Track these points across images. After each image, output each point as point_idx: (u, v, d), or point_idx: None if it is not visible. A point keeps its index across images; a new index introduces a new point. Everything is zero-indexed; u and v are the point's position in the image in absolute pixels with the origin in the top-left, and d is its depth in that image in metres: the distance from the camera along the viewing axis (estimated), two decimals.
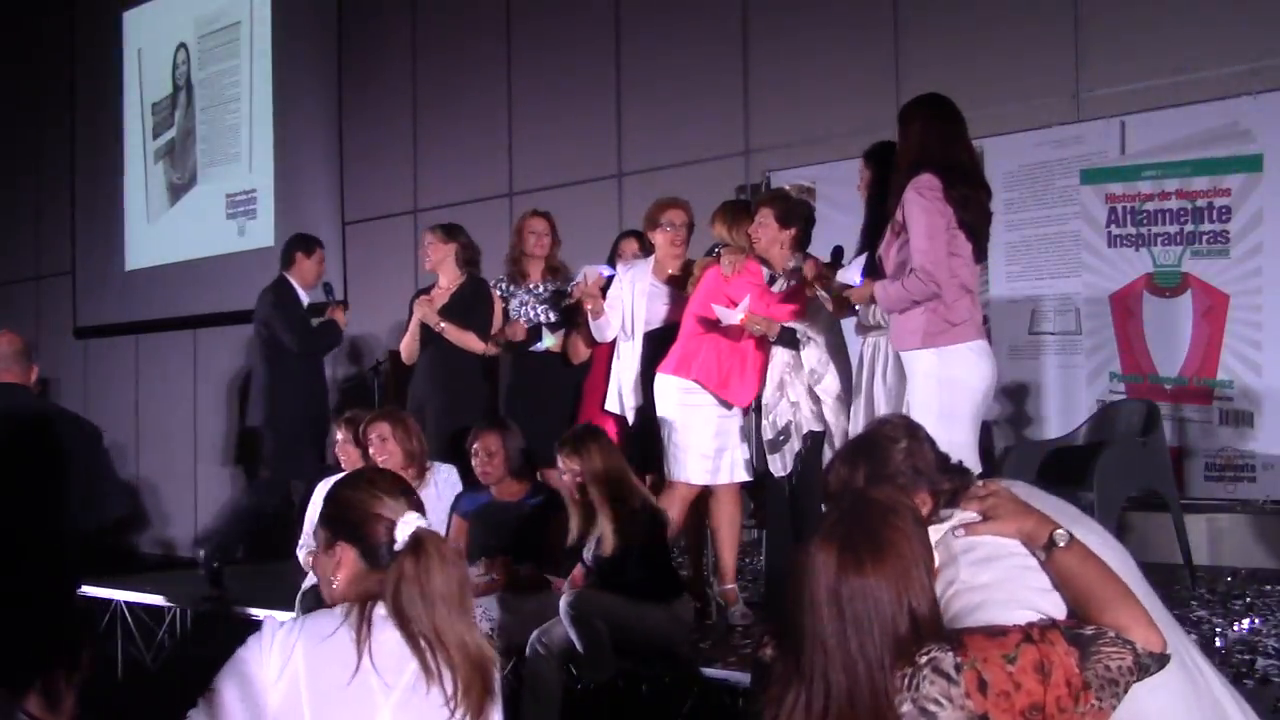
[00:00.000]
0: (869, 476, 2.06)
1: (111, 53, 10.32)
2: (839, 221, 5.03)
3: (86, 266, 10.51)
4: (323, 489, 4.59)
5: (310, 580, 4.27)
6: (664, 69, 7.07)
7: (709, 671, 3.64)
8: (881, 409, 3.89)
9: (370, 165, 8.49)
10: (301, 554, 4.53)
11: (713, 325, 4.31)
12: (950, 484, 2.07)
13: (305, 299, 5.91)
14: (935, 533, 1.96)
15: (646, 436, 4.53)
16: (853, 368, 4.25)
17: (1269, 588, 4.59)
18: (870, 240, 3.98)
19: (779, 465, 4.31)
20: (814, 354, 4.25)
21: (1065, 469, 4.42)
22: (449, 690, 1.86)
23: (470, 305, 5.21)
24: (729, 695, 3.54)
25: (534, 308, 5.13)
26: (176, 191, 9.85)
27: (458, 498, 4.53)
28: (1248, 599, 4.40)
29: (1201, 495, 5.24)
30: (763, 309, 4.25)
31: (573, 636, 3.62)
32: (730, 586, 4.41)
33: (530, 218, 5.22)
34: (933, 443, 2.13)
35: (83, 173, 10.58)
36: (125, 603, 5.68)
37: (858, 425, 4.09)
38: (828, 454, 4.21)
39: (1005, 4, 5.87)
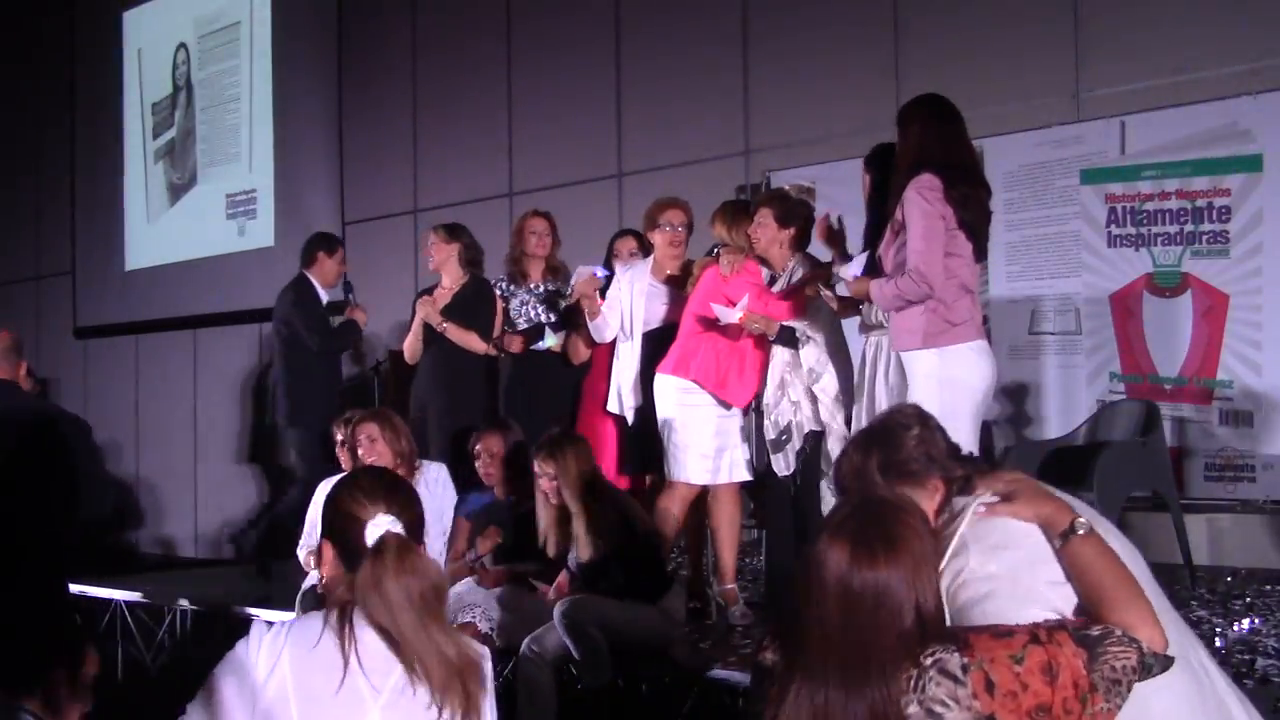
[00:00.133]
0: (882, 463, 2.06)
1: (111, 53, 10.32)
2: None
3: (86, 266, 10.51)
4: (324, 489, 4.61)
5: (310, 580, 4.28)
6: (664, 69, 7.07)
7: (711, 673, 3.65)
8: (883, 408, 3.89)
9: (370, 165, 8.49)
10: (302, 554, 4.53)
11: (711, 325, 4.31)
12: (962, 471, 2.07)
13: (325, 297, 5.93)
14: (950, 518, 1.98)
15: (646, 436, 4.53)
16: (854, 367, 4.25)
17: (1269, 588, 4.59)
18: (872, 240, 3.99)
19: (782, 465, 4.31)
20: (813, 353, 4.25)
21: (1065, 469, 4.41)
22: (429, 693, 1.85)
23: (473, 306, 5.21)
24: (729, 695, 3.54)
25: (534, 307, 5.13)
26: (176, 191, 9.85)
27: (462, 499, 4.54)
28: (1248, 599, 4.40)
29: (1201, 495, 5.24)
30: (761, 308, 4.25)
31: (569, 645, 3.63)
32: (730, 586, 4.41)
33: (531, 218, 5.23)
34: (944, 431, 2.14)
35: (83, 173, 10.57)
36: (125, 602, 5.68)
37: (860, 424, 4.09)
38: (832, 454, 4.21)
39: (1005, 4, 5.87)
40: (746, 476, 4.46)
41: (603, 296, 4.72)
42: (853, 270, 3.93)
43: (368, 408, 5.30)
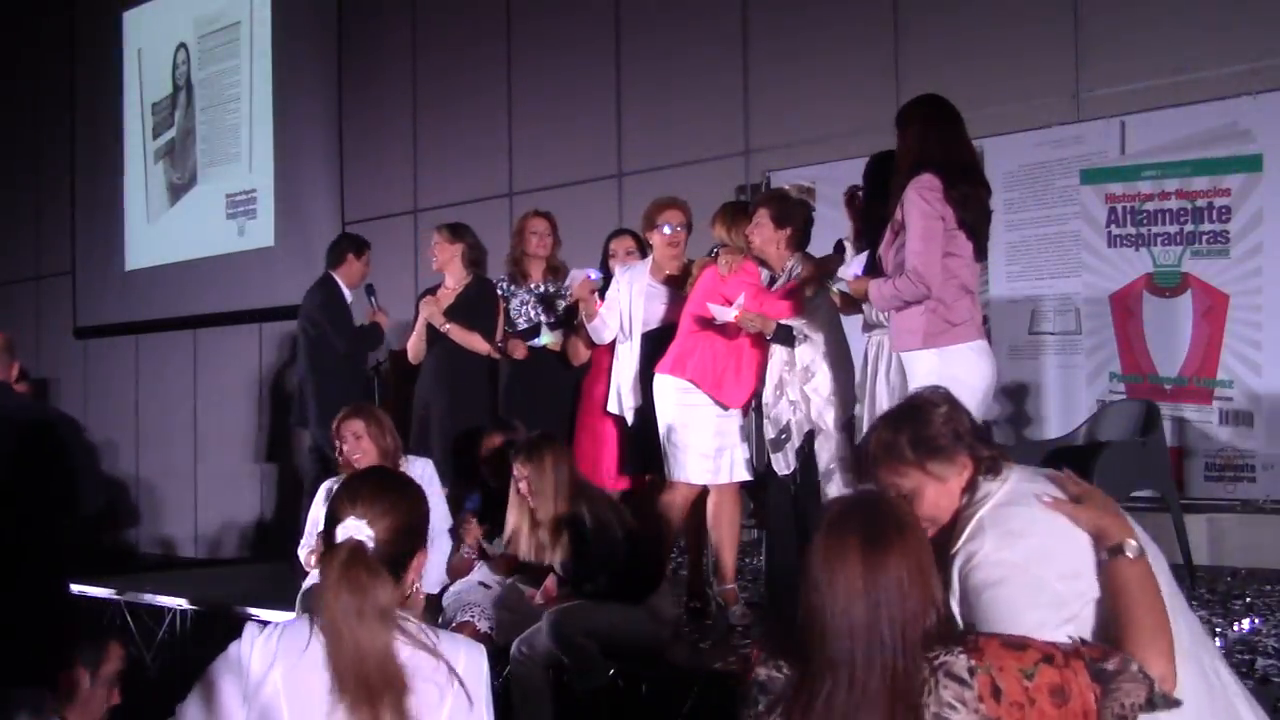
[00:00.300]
0: (913, 438, 2.08)
1: (111, 53, 10.32)
2: (839, 221, 5.02)
3: (86, 266, 10.51)
4: (325, 489, 4.61)
5: (310, 580, 4.28)
6: (664, 69, 7.07)
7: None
8: (884, 408, 3.88)
9: (370, 165, 8.49)
10: (302, 553, 4.53)
11: (709, 325, 4.31)
12: (989, 451, 2.09)
13: (349, 298, 5.97)
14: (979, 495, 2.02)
15: (646, 436, 4.53)
16: (856, 366, 4.25)
17: (1269, 588, 4.60)
18: (871, 240, 3.99)
19: (782, 464, 4.31)
20: (808, 352, 4.25)
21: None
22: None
23: (476, 306, 5.21)
24: (729, 695, 3.54)
25: (534, 307, 5.13)
26: (176, 191, 9.85)
27: (468, 497, 4.55)
28: (1248, 599, 4.41)
29: (1201, 495, 5.24)
30: (757, 307, 4.25)
31: (561, 654, 3.63)
32: (730, 586, 4.41)
33: (531, 218, 5.22)
34: (969, 412, 2.17)
35: (83, 173, 10.57)
36: (125, 603, 5.68)
37: (862, 424, 4.09)
38: (820, 454, 4.21)
39: (1005, 4, 5.87)
40: (746, 476, 4.46)
41: (600, 298, 4.73)
42: (853, 270, 3.95)
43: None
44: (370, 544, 1.89)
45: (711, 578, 4.63)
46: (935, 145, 3.64)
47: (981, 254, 3.73)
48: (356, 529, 1.90)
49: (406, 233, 8.03)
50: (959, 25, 5.97)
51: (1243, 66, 5.17)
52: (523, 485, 3.91)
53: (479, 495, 4.50)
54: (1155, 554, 2.01)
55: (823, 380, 4.22)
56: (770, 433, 4.31)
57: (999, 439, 5.42)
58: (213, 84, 9.56)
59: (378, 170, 8.46)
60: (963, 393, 3.54)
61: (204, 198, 9.56)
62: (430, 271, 6.04)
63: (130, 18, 10.27)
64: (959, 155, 3.68)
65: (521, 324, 5.13)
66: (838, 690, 1.68)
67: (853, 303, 4.15)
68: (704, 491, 4.45)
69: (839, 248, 4.31)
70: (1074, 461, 4.47)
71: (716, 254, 4.49)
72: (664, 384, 4.42)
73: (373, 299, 5.97)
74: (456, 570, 4.37)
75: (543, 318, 5.10)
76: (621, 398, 4.67)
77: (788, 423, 4.28)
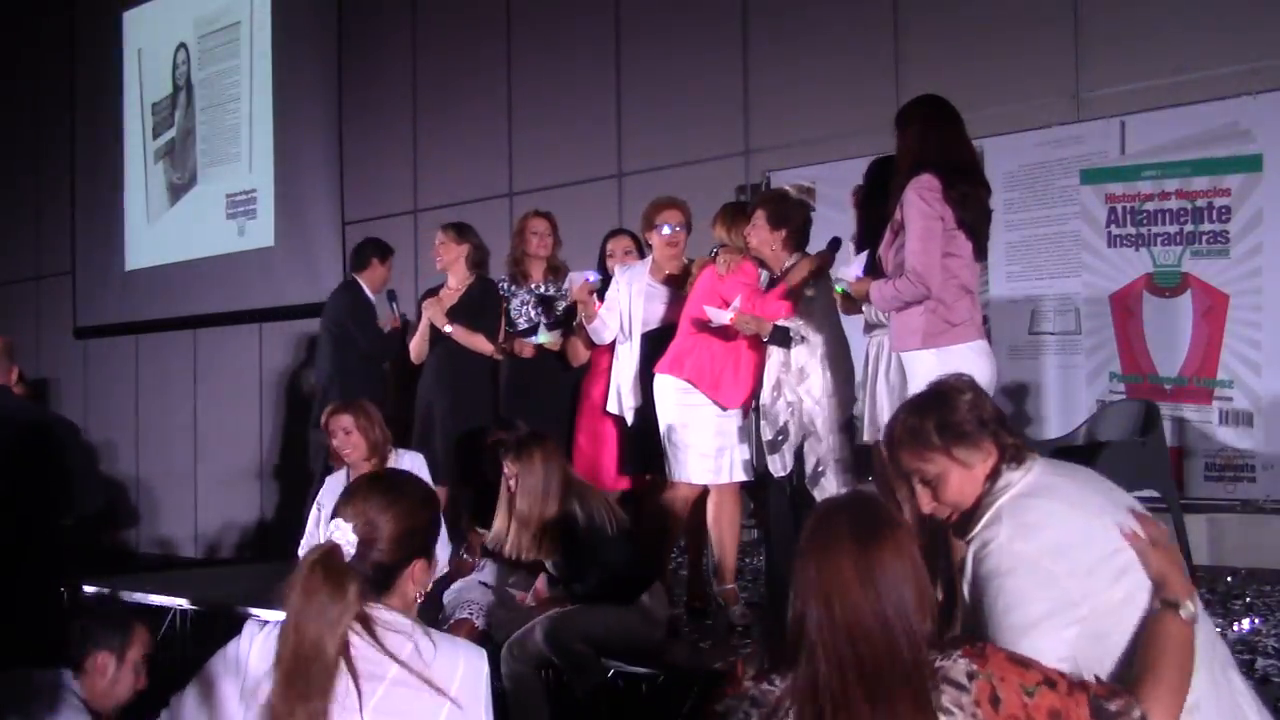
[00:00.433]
0: (938, 424, 2.11)
1: (111, 53, 10.32)
2: (839, 221, 5.03)
3: (86, 266, 10.51)
4: (326, 489, 4.62)
5: None
6: (664, 69, 7.07)
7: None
8: (884, 408, 3.89)
9: (370, 165, 8.49)
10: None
11: (707, 325, 4.31)
12: (1012, 439, 2.11)
13: (373, 302, 6.02)
14: (1002, 484, 2.05)
15: (646, 436, 4.53)
16: (857, 366, 4.25)
17: (1269, 588, 4.59)
18: (871, 240, 3.99)
19: (778, 465, 4.31)
20: (803, 353, 4.25)
21: None
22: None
23: (480, 307, 5.22)
24: None
25: (534, 307, 5.14)
26: (176, 191, 9.85)
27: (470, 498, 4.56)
28: (1248, 599, 4.40)
29: (1201, 495, 5.23)
30: (754, 309, 4.25)
31: (558, 660, 3.63)
32: (730, 586, 4.41)
33: (532, 218, 5.23)
34: (993, 400, 2.20)
35: (83, 173, 10.57)
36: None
37: (862, 424, 4.10)
38: (808, 457, 4.21)
39: (1005, 4, 5.87)
40: (747, 477, 4.46)
41: (599, 299, 4.73)
42: (853, 271, 3.94)
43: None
44: (350, 549, 1.87)
45: (711, 578, 4.63)
46: (935, 145, 3.64)
47: (981, 254, 3.74)
48: (341, 533, 1.89)
49: (406, 233, 8.02)
50: (959, 25, 5.96)
51: (1243, 66, 5.17)
52: (512, 483, 3.87)
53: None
54: (1204, 616, 2.03)
55: (815, 382, 4.22)
56: (767, 434, 4.31)
57: None
58: (213, 84, 9.56)
59: (378, 170, 8.46)
60: None
61: (204, 198, 9.56)
62: (431, 271, 6.05)
63: (130, 18, 10.27)
64: (958, 155, 3.68)
65: (522, 324, 5.14)
66: (849, 692, 1.65)
67: (853, 303, 4.15)
68: (704, 491, 4.45)
69: (833, 245, 4.32)
70: (1074, 461, 4.47)
71: (716, 254, 4.49)
72: (664, 384, 4.42)
73: (393, 305, 5.99)
74: (457, 571, 4.37)
75: (542, 318, 5.10)
76: (621, 398, 4.67)
77: (784, 423, 4.28)
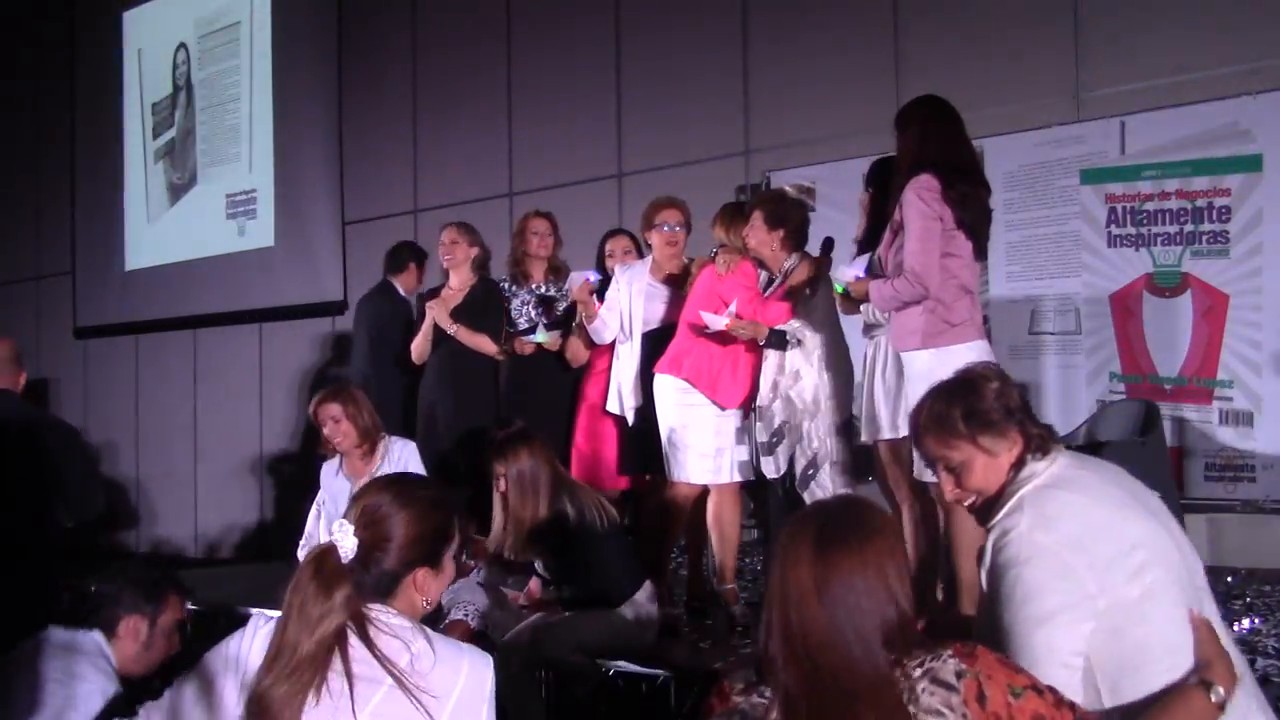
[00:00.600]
0: (965, 411, 2.12)
1: (111, 53, 10.32)
2: (839, 221, 5.04)
3: (86, 266, 10.51)
4: (323, 484, 4.62)
5: None
6: (664, 69, 7.07)
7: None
8: (881, 408, 3.90)
9: (370, 165, 8.49)
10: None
11: (704, 329, 4.31)
12: (1038, 429, 2.12)
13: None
14: (1027, 473, 2.07)
15: (646, 436, 4.54)
16: (856, 367, 4.25)
17: (1269, 588, 4.59)
18: (871, 241, 4.00)
19: (771, 467, 4.30)
20: (798, 356, 4.24)
21: None
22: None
23: (483, 307, 5.22)
24: None
25: (535, 308, 5.14)
26: (176, 191, 9.85)
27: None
28: (1248, 599, 4.40)
29: (1201, 495, 5.23)
30: (751, 312, 4.25)
31: (553, 669, 3.63)
32: (730, 586, 4.41)
33: (532, 218, 5.23)
34: (1020, 390, 2.20)
35: (83, 173, 10.57)
36: None
37: (860, 425, 4.10)
38: (798, 459, 4.21)
39: (1005, 4, 5.87)
40: (746, 476, 4.46)
41: (598, 299, 4.73)
42: (853, 271, 3.94)
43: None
44: (348, 551, 1.87)
45: (711, 578, 4.63)
46: (934, 146, 3.64)
47: (981, 254, 3.74)
48: (343, 535, 1.89)
49: (406, 233, 7.99)
50: (959, 25, 5.97)
51: (1243, 66, 5.17)
52: (501, 483, 3.82)
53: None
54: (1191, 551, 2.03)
55: (808, 385, 4.21)
56: (762, 435, 4.31)
57: None
58: (213, 84, 9.56)
59: (378, 170, 8.46)
60: None
61: (204, 198, 9.56)
62: (431, 271, 6.05)
63: (130, 18, 10.27)
64: (958, 155, 3.68)
65: (522, 324, 5.14)
66: (821, 697, 1.64)
67: (853, 303, 4.15)
68: (704, 491, 4.45)
69: (826, 246, 4.32)
70: None
71: (714, 253, 4.49)
72: (664, 384, 4.42)
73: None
74: (457, 572, 4.36)
75: (541, 318, 5.10)
76: (622, 397, 4.67)
77: (781, 425, 4.28)
